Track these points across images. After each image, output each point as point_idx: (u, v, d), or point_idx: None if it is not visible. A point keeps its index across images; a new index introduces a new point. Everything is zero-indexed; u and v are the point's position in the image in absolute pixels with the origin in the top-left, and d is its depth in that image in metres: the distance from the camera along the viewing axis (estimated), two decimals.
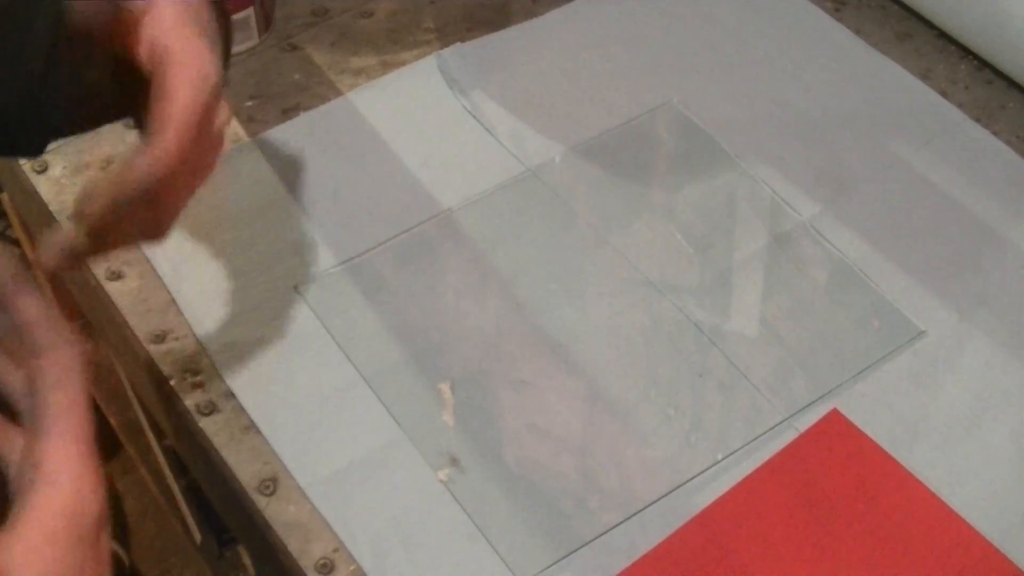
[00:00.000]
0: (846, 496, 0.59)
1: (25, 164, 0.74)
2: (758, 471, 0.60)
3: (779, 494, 0.60)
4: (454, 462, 0.61)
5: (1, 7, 0.46)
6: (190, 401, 0.63)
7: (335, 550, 0.58)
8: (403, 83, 0.79)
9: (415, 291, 0.68)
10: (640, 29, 0.83)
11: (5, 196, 1.09)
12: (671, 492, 0.60)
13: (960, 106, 0.78)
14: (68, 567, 0.36)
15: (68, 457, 0.37)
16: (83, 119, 0.53)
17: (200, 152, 0.49)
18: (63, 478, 0.36)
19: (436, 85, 0.79)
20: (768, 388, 0.64)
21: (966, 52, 0.82)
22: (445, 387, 0.64)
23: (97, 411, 1.17)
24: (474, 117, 0.77)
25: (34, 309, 0.38)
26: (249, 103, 0.77)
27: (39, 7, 0.47)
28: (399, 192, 0.72)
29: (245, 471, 0.61)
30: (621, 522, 0.59)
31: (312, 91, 0.78)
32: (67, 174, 0.73)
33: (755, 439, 0.62)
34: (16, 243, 1.29)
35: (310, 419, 0.62)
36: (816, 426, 0.62)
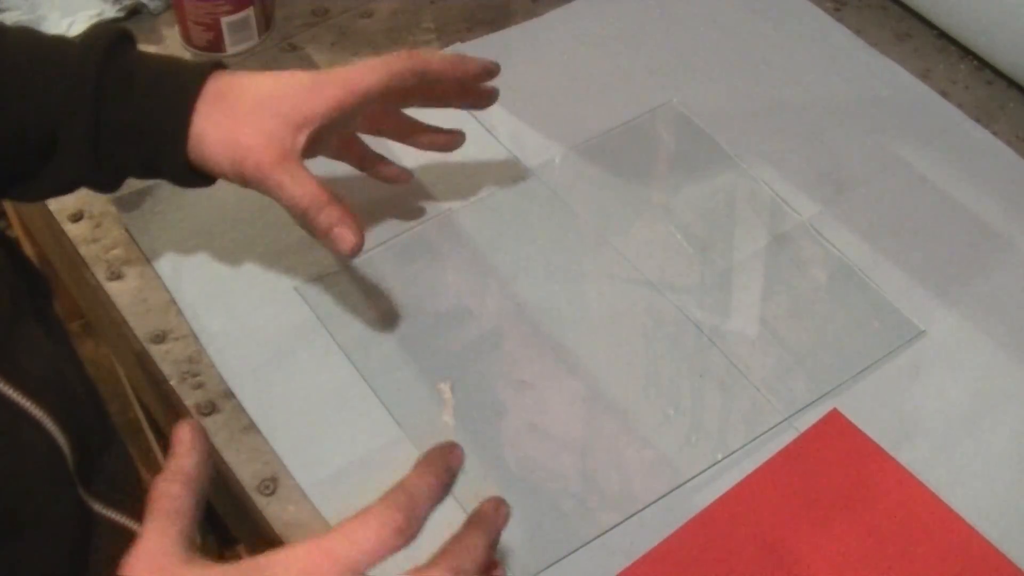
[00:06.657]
0: (846, 496, 0.59)
1: None
2: (758, 471, 0.60)
3: (779, 494, 0.60)
4: None
5: None
6: (190, 401, 0.63)
7: None
8: None
9: (415, 291, 0.68)
10: (640, 29, 0.83)
11: None
12: (671, 492, 0.60)
13: (960, 106, 0.78)
14: None
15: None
16: None
17: None
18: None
19: None
20: (768, 388, 0.64)
21: (966, 52, 0.82)
22: (445, 387, 0.64)
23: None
24: (474, 117, 0.77)
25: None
26: None
27: None
28: (399, 192, 0.72)
29: (245, 471, 0.61)
30: (621, 522, 0.59)
31: None
32: None
33: (755, 439, 0.62)
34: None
35: (310, 419, 0.62)
36: (816, 426, 0.62)
